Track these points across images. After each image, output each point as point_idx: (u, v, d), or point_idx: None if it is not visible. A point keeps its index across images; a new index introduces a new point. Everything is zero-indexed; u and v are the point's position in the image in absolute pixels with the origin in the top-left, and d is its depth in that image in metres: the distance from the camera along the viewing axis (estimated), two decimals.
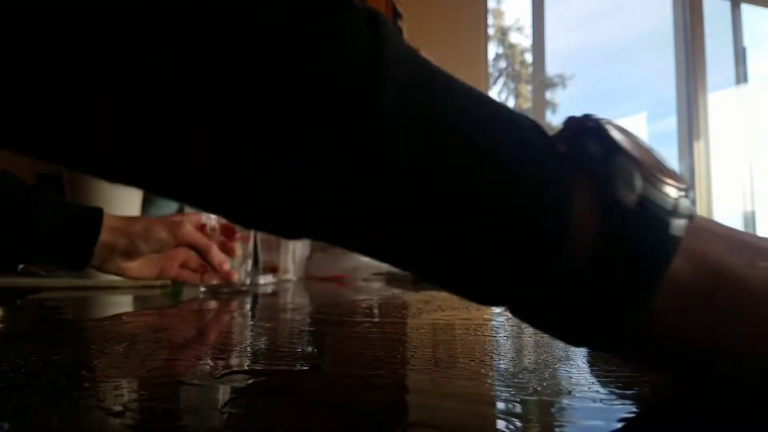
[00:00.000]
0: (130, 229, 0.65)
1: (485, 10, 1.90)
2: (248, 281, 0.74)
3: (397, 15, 1.34)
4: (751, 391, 0.19)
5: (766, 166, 2.52)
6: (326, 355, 0.31)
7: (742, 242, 0.20)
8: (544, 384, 0.23)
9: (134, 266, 0.67)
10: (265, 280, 0.93)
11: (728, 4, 2.45)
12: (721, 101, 2.45)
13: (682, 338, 0.18)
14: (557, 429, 0.18)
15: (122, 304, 0.57)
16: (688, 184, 0.19)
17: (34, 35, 0.14)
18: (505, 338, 0.35)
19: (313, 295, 0.71)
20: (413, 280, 0.93)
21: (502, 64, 6.02)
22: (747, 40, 2.48)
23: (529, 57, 5.31)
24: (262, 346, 0.33)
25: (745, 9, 2.47)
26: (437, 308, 0.52)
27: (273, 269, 0.95)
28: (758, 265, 0.19)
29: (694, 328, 0.18)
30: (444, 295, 0.66)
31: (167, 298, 0.87)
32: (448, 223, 0.18)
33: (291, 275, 0.97)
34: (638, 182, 0.18)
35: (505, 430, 0.17)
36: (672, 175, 0.19)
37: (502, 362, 0.28)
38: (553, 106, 5.31)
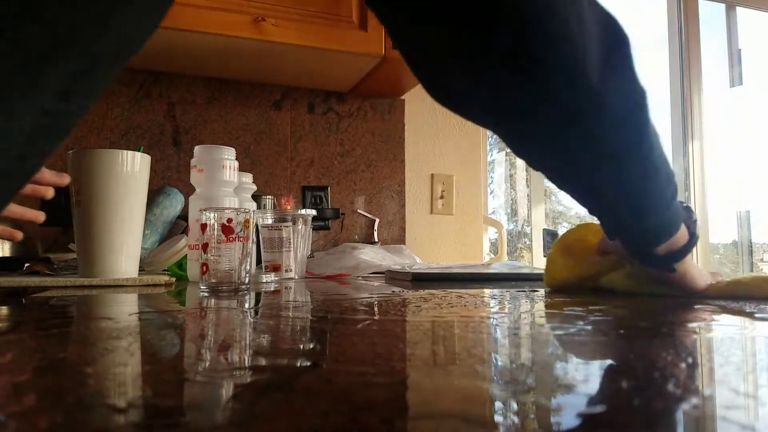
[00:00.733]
0: None
1: None
2: (248, 279, 0.75)
3: None
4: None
5: (760, 167, 2.53)
6: (327, 352, 0.31)
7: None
8: (542, 380, 0.23)
9: None
10: (267, 278, 0.94)
11: (723, 7, 2.46)
12: (715, 103, 2.46)
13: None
14: (554, 424, 0.18)
15: (126, 302, 0.58)
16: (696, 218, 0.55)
17: None
18: (504, 336, 0.36)
19: (314, 293, 0.71)
20: (412, 278, 0.94)
21: None
22: (742, 43, 2.49)
23: None
24: (264, 344, 0.34)
25: (740, 12, 2.48)
26: (436, 306, 0.52)
27: (275, 268, 0.96)
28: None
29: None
30: (443, 293, 0.67)
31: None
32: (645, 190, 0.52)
33: (293, 274, 0.98)
34: (694, 227, 0.59)
35: (503, 425, 0.17)
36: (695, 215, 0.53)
37: (500, 359, 0.29)
38: None
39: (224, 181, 0.91)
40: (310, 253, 1.14)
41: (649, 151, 0.50)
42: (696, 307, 0.52)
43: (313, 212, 1.09)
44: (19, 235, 0.79)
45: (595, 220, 0.59)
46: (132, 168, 0.83)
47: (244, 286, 0.73)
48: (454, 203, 1.70)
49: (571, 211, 5.79)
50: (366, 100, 1.58)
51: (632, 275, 0.65)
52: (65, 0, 0.24)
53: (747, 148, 2.53)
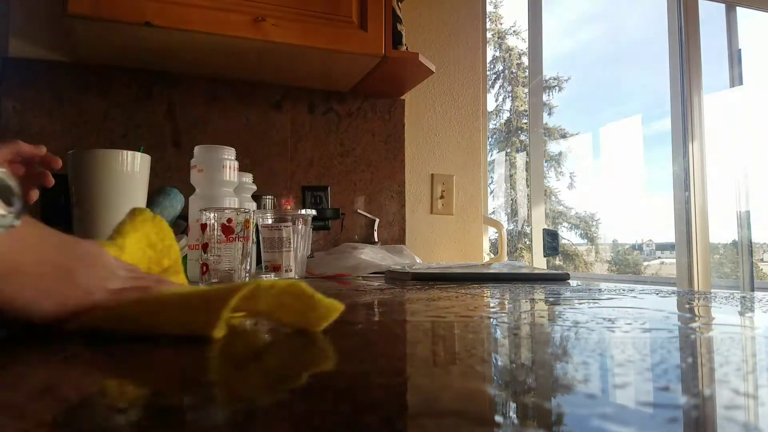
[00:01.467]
0: None
1: (483, 14, 1.91)
2: (248, 280, 0.75)
3: (396, 18, 1.35)
4: None
5: (760, 167, 2.53)
6: (328, 351, 0.31)
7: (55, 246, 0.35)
8: (541, 380, 0.23)
9: None
10: (267, 278, 0.94)
11: (723, 7, 2.46)
12: (715, 103, 2.46)
13: None
14: (554, 424, 0.18)
15: None
16: (13, 211, 0.31)
17: None
18: (503, 336, 0.36)
19: None
20: (412, 278, 0.94)
21: (500, 67, 6.02)
22: (742, 43, 2.49)
23: (525, 60, 5.31)
24: (264, 343, 0.34)
25: (740, 12, 2.49)
26: (436, 307, 0.52)
27: (275, 268, 0.96)
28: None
29: None
30: (444, 294, 0.66)
31: None
32: None
33: (293, 274, 0.98)
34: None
35: (503, 424, 0.17)
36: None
37: (499, 359, 0.29)
38: (550, 108, 5.32)
39: (224, 181, 0.91)
40: (310, 253, 1.14)
41: None
42: None
43: (313, 212, 1.09)
44: (53, 170, 0.75)
45: None
46: (132, 168, 0.83)
47: None
48: (454, 203, 1.70)
49: (571, 211, 5.79)
50: (366, 100, 1.58)
51: None
52: None
53: (747, 149, 2.53)
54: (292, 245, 0.98)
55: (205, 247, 0.74)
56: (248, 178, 1.13)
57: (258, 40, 1.19)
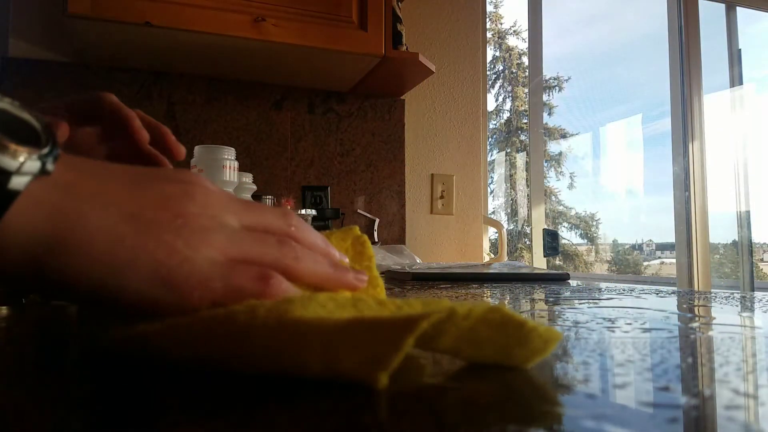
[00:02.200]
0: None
1: (483, 14, 1.91)
2: None
3: (396, 18, 1.35)
4: None
5: (760, 167, 2.53)
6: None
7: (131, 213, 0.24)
8: (542, 380, 0.23)
9: None
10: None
11: (723, 7, 2.46)
12: (715, 103, 2.46)
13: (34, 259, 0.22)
14: (555, 423, 0.18)
15: None
16: (45, 150, 0.22)
17: None
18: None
19: None
20: (412, 278, 0.93)
21: (500, 66, 6.02)
22: (742, 43, 2.49)
23: (525, 60, 5.31)
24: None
25: (740, 12, 2.48)
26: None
27: None
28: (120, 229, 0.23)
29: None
30: (444, 294, 0.66)
31: None
32: None
33: None
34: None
35: (502, 424, 0.17)
36: (20, 144, 0.21)
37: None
38: (550, 108, 5.32)
39: (224, 181, 0.90)
40: None
41: None
42: None
43: (313, 212, 1.09)
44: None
45: None
46: None
47: None
48: (454, 203, 1.70)
49: (572, 211, 5.80)
50: (366, 100, 1.58)
51: None
52: None
53: (747, 149, 2.53)
54: None
55: None
56: (248, 178, 1.13)
57: (258, 40, 1.19)
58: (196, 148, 0.92)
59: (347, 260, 0.35)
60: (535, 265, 2.06)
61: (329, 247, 0.32)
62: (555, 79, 5.20)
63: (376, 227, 1.56)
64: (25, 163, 0.21)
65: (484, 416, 0.18)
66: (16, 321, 0.44)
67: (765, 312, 0.48)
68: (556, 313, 0.50)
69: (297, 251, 0.28)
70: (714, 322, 0.43)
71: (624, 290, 0.72)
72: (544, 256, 2.13)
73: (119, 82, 1.35)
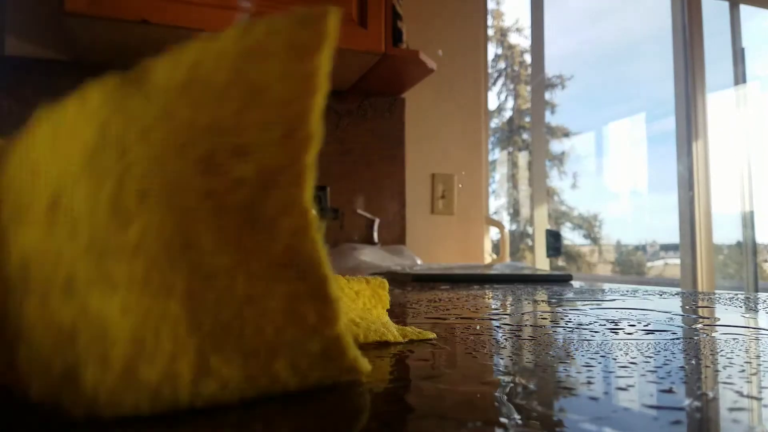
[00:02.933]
0: None
1: (485, 11, 1.90)
2: None
3: (396, 16, 1.34)
4: None
5: (765, 167, 2.52)
6: None
7: None
8: (544, 383, 0.23)
9: None
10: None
11: (727, 5, 2.45)
12: (719, 102, 2.45)
13: None
14: (556, 426, 0.18)
15: None
16: None
17: None
18: (505, 338, 0.35)
19: None
20: (413, 279, 0.93)
21: (502, 64, 6.02)
22: (746, 41, 2.48)
23: (528, 58, 5.31)
24: None
25: (744, 10, 2.47)
26: (437, 308, 0.52)
27: None
28: None
29: None
30: (445, 296, 0.66)
31: None
32: None
33: None
34: None
35: (505, 426, 0.17)
36: None
37: (501, 361, 0.28)
38: (552, 107, 5.32)
39: None
40: None
41: None
42: None
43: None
44: None
45: None
46: None
47: None
48: (455, 203, 1.69)
49: (574, 212, 5.80)
50: (366, 99, 1.58)
51: None
52: None
53: (751, 148, 2.52)
54: None
55: None
56: None
57: None
58: None
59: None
60: (537, 266, 2.06)
61: None
62: (558, 77, 5.20)
63: (376, 227, 1.55)
64: None
65: (485, 417, 0.18)
66: None
67: None
68: (559, 314, 0.49)
69: None
70: (718, 323, 0.43)
71: (627, 291, 0.71)
72: (547, 257, 2.12)
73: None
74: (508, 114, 5.85)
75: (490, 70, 2.17)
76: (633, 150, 4.29)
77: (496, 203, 4.90)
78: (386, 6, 1.30)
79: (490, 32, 5.22)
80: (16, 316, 0.13)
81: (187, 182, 0.15)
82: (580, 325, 0.40)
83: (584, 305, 0.55)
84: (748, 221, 2.48)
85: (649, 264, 4.72)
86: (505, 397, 0.21)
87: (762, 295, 0.66)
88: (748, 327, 0.40)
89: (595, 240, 5.55)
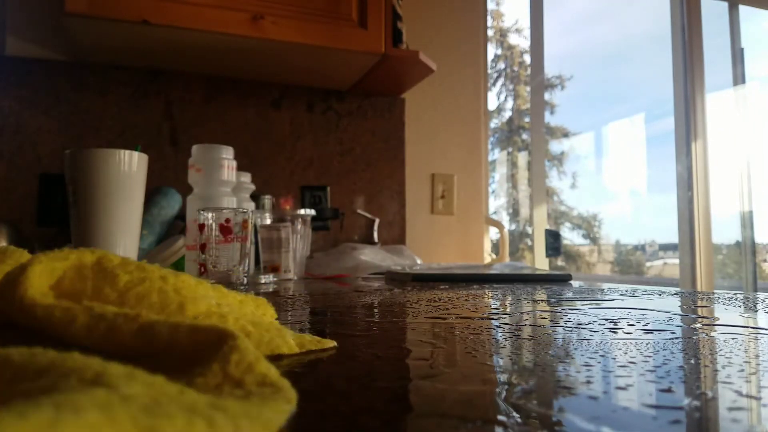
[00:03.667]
0: None
1: (485, 12, 1.90)
2: (245, 280, 0.74)
3: (396, 16, 1.34)
4: None
5: (764, 167, 2.52)
6: (326, 353, 0.31)
7: None
8: (543, 382, 0.23)
9: None
10: (266, 279, 0.93)
11: (726, 6, 2.45)
12: (718, 102, 2.45)
13: None
14: (555, 425, 0.18)
15: None
16: None
17: None
18: (504, 338, 0.35)
19: (313, 293, 0.71)
20: (413, 279, 0.93)
21: (501, 65, 6.02)
22: (744, 41, 2.48)
23: (527, 58, 5.31)
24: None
25: (743, 10, 2.47)
26: (437, 308, 0.52)
27: (274, 269, 0.95)
28: None
29: None
30: (444, 296, 0.66)
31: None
32: None
33: (292, 275, 0.97)
34: None
35: (504, 425, 0.17)
36: None
37: (501, 361, 0.28)
38: (552, 107, 5.31)
39: (222, 180, 0.90)
40: (309, 253, 1.13)
41: None
42: None
43: (313, 212, 1.09)
44: None
45: None
46: (129, 167, 0.82)
47: (242, 287, 0.73)
48: (455, 203, 1.69)
49: (574, 212, 5.79)
50: (366, 99, 1.58)
51: None
52: None
53: (750, 148, 2.52)
54: (290, 246, 0.97)
55: (203, 248, 0.73)
56: (247, 177, 1.12)
57: (256, 39, 1.18)
58: (194, 148, 0.92)
59: None
60: (536, 266, 2.06)
61: None
62: (557, 77, 5.20)
63: (376, 227, 1.55)
64: None
65: (485, 417, 0.18)
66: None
67: None
68: (558, 314, 0.49)
69: None
70: (717, 323, 0.43)
71: (627, 291, 0.71)
72: (546, 257, 2.12)
73: (116, 80, 1.34)
74: (507, 114, 5.85)
75: (489, 71, 2.17)
76: (632, 150, 4.28)
77: (496, 203, 4.90)
78: (386, 6, 1.30)
79: (490, 33, 5.22)
80: None
81: None
82: (580, 324, 0.40)
83: (583, 305, 0.55)
84: (746, 221, 2.48)
85: (648, 264, 4.72)
86: (504, 397, 0.21)
87: (761, 295, 0.66)
88: (747, 327, 0.41)
89: (594, 240, 5.55)
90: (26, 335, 0.26)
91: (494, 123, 5.51)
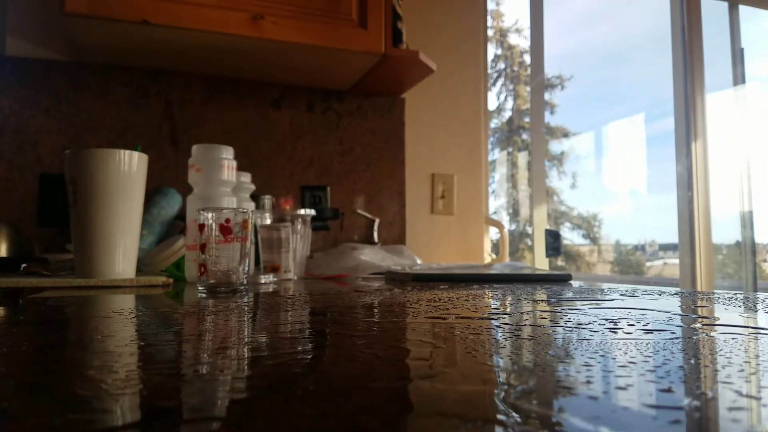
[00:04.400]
0: None
1: (485, 12, 1.90)
2: (246, 280, 0.74)
3: (396, 16, 1.34)
4: None
5: (764, 167, 2.52)
6: (326, 353, 0.31)
7: None
8: (543, 382, 0.23)
9: None
10: (266, 279, 0.93)
11: (726, 6, 2.45)
12: (718, 102, 2.45)
13: None
14: (556, 425, 0.18)
15: (123, 302, 0.57)
16: None
17: None
18: (504, 338, 0.35)
19: (313, 294, 0.71)
20: (413, 279, 0.93)
21: (502, 65, 6.02)
22: (744, 42, 2.48)
23: (527, 58, 5.30)
24: (262, 344, 0.33)
25: (743, 10, 2.47)
26: (437, 308, 0.52)
27: (274, 269, 0.95)
28: None
29: None
30: (444, 295, 0.66)
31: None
32: None
33: (292, 275, 0.97)
34: None
35: (504, 425, 0.17)
36: None
37: (501, 361, 0.28)
38: (552, 107, 5.31)
39: (222, 180, 0.90)
40: (309, 253, 1.13)
41: None
42: None
43: (313, 212, 1.09)
44: None
45: None
46: (129, 167, 0.82)
47: (242, 287, 0.73)
48: (455, 203, 1.69)
49: (574, 212, 5.79)
50: (366, 99, 1.58)
51: None
52: None
53: (750, 148, 2.52)
54: (290, 245, 0.97)
55: (202, 248, 0.73)
56: (247, 177, 1.12)
57: (256, 39, 1.18)
58: (194, 148, 0.92)
59: None
60: (536, 266, 2.06)
61: None
62: (557, 77, 5.20)
63: (376, 227, 1.55)
64: None
65: (485, 417, 0.18)
66: (12, 318, 0.43)
67: None
68: (558, 314, 0.49)
69: None
70: (717, 323, 0.43)
71: (626, 291, 0.71)
72: (546, 257, 2.12)
73: (116, 80, 1.34)
74: (507, 114, 5.85)
75: (489, 71, 2.17)
76: (632, 150, 4.28)
77: (496, 203, 4.90)
78: (386, 6, 1.30)
79: (490, 33, 5.22)
80: None
81: None
82: (580, 324, 0.40)
83: (583, 305, 0.55)
84: (746, 221, 2.48)
85: (648, 264, 4.72)
86: (504, 397, 0.21)
87: (761, 295, 0.66)
88: (747, 327, 0.41)
89: (594, 240, 5.55)
90: (38, 332, 0.26)
91: (494, 123, 5.51)
